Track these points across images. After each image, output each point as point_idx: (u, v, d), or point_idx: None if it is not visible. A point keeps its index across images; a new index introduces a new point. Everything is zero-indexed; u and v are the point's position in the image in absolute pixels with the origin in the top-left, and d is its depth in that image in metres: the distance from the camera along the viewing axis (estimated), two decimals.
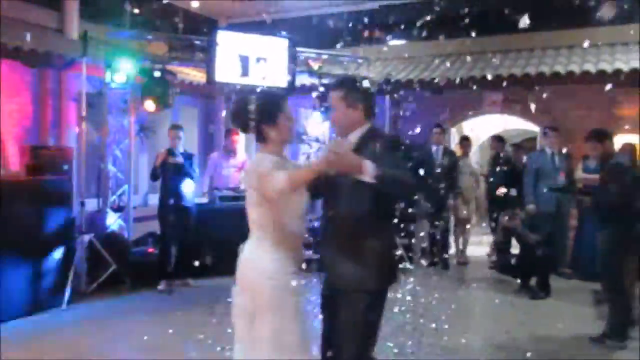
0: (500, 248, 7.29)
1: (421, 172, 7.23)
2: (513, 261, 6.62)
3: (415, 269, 7.27)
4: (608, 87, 6.10)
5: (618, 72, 7.12)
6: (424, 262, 7.68)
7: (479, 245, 8.66)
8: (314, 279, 2.98)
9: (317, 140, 8.43)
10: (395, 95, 7.97)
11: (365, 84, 2.71)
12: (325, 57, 7.68)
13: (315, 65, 7.63)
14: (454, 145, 8.65)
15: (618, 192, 4.54)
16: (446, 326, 4.98)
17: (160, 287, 6.05)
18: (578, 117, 7.20)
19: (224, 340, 3.65)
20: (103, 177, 6.78)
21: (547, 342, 4.72)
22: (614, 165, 4.71)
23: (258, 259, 2.46)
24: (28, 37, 5.64)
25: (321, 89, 7.45)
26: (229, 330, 2.74)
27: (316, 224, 7.35)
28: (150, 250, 6.65)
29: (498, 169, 7.82)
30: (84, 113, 5.85)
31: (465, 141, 8.18)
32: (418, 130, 7.79)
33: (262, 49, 6.72)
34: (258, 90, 2.74)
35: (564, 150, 6.86)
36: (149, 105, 6.18)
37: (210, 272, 6.13)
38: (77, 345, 4.44)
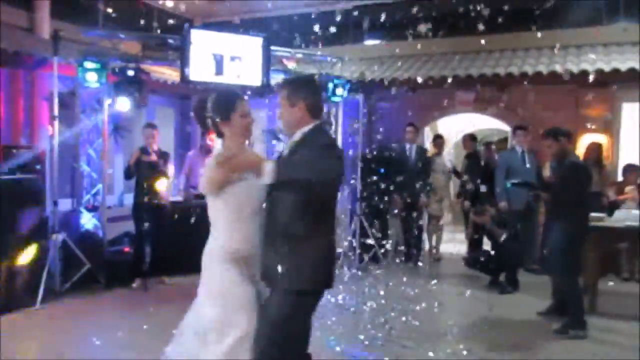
0: (470, 244, 7.48)
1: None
2: (483, 257, 6.78)
3: (388, 264, 7.42)
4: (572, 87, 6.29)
5: (584, 73, 7.33)
6: (397, 258, 7.83)
7: (453, 242, 8.84)
8: None
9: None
10: (369, 95, 8.10)
11: (310, 82, 2.74)
12: (299, 56, 7.75)
13: (289, 65, 7.71)
14: (428, 143, 8.81)
15: (572, 189, 4.75)
16: (415, 319, 5.13)
17: (135, 285, 6.08)
18: (545, 117, 7.40)
19: None
20: (77, 177, 6.76)
21: (512, 333, 4.89)
22: (569, 164, 4.91)
23: (209, 250, 2.59)
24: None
25: None
26: None
27: None
28: (126, 249, 6.65)
29: (471, 167, 8.01)
30: (55, 112, 5.83)
31: (438, 140, 8.33)
32: (392, 129, 7.96)
33: (236, 48, 6.75)
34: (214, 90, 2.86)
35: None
36: (123, 104, 6.18)
37: (185, 270, 6.15)
38: (50, 343, 4.47)
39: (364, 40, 9.26)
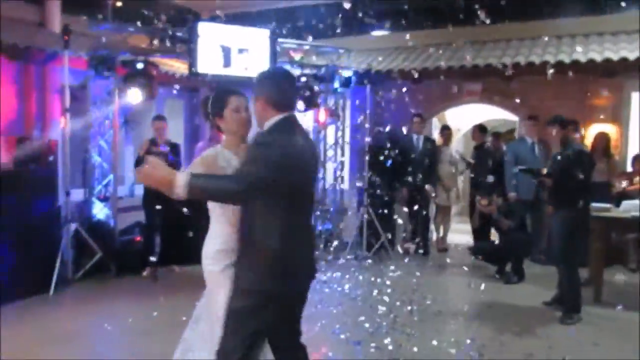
0: (477, 234, 7.52)
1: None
2: (489, 247, 6.83)
3: (395, 254, 7.49)
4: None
5: (592, 62, 7.29)
6: (404, 248, 7.90)
7: (460, 233, 8.88)
8: None
9: None
10: (377, 86, 8.12)
11: (273, 74, 2.60)
12: (306, 47, 7.80)
13: (296, 56, 7.75)
14: (436, 134, 8.83)
15: (574, 176, 4.79)
16: (420, 308, 5.21)
17: (145, 273, 6.22)
18: (553, 107, 7.37)
19: None
20: (88, 168, 6.89)
21: (517, 322, 4.93)
22: (572, 151, 4.93)
23: (206, 245, 2.65)
24: (9, 31, 5.71)
25: (303, 79, 7.59)
26: None
27: None
28: (137, 239, 6.77)
29: (480, 158, 8.04)
30: (67, 105, 5.95)
31: (445, 130, 8.35)
32: (399, 119, 7.98)
33: (244, 40, 6.82)
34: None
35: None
36: (132, 97, 6.28)
37: (194, 259, 6.24)
38: (63, 329, 4.61)
39: (371, 31, 9.27)
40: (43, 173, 5.68)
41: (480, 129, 8.27)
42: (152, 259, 6.24)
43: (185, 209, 5.45)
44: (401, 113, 8.05)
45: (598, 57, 7.31)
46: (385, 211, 7.64)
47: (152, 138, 6.20)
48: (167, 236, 6.37)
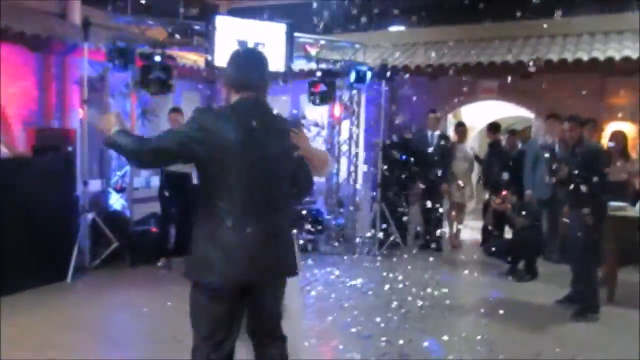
0: (490, 231, 7.49)
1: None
2: (502, 245, 6.80)
3: (407, 250, 7.50)
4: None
5: (610, 60, 7.21)
6: (416, 244, 7.91)
7: (473, 230, 8.86)
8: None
9: (315, 124, 8.62)
10: (392, 82, 8.11)
11: (235, 55, 2.47)
12: (322, 42, 7.81)
13: (312, 51, 7.77)
14: (451, 131, 8.80)
15: (589, 173, 4.76)
16: (432, 303, 5.22)
17: (160, 263, 6.31)
18: (570, 106, 7.32)
19: None
20: (105, 159, 6.99)
21: (528, 319, 4.92)
22: (586, 148, 4.91)
23: None
24: (31, 22, 5.82)
25: (319, 74, 7.61)
26: None
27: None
28: (152, 229, 6.87)
29: (493, 155, 8.00)
30: (86, 96, 6.04)
31: (460, 127, 8.32)
32: (414, 115, 7.98)
33: (260, 34, 6.84)
34: None
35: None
36: (150, 88, 6.35)
37: None
38: (80, 315, 4.71)
39: (387, 27, 9.25)
40: (62, 163, 5.77)
41: (492, 127, 8.24)
42: (167, 249, 6.33)
43: None
44: (416, 109, 8.04)
45: (617, 56, 7.23)
46: (399, 207, 7.65)
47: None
48: (182, 227, 6.45)
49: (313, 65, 7.89)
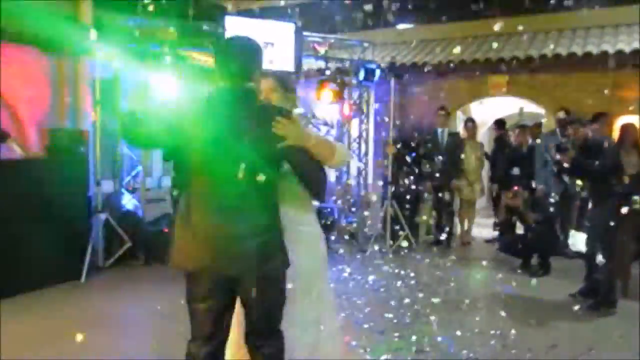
0: (502, 227, 7.47)
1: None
2: (515, 240, 6.78)
3: (419, 247, 7.49)
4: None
5: (620, 53, 7.17)
6: (428, 241, 7.91)
7: (484, 226, 8.83)
8: None
9: (325, 123, 8.64)
10: (401, 79, 8.12)
11: (219, 44, 2.58)
12: (331, 41, 7.84)
13: (321, 50, 7.79)
14: (461, 127, 8.79)
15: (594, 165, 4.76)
16: (444, 300, 5.21)
17: None
18: (580, 99, 7.29)
19: None
20: (117, 159, 7.06)
21: (541, 314, 4.91)
22: (595, 144, 4.91)
23: None
24: (43, 24, 5.89)
25: (328, 72, 7.63)
26: None
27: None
28: (165, 230, 6.91)
29: (500, 151, 7.99)
30: (98, 98, 6.10)
31: (470, 123, 8.31)
32: (423, 113, 7.98)
33: (269, 34, 6.88)
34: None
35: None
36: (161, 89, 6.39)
37: None
38: (95, 313, 4.77)
39: (396, 25, 9.25)
40: (75, 164, 5.83)
41: (498, 124, 8.26)
42: None
43: None
44: (425, 106, 8.04)
45: (627, 48, 7.19)
46: (409, 204, 7.65)
47: None
48: None
49: (322, 64, 7.91)
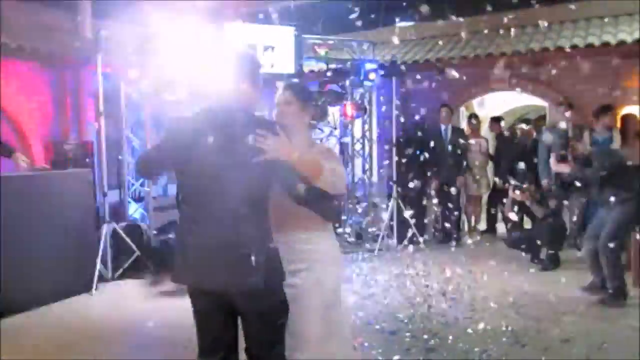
0: (510, 222, 7.44)
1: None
2: (523, 235, 6.76)
3: (426, 245, 7.47)
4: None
5: (622, 43, 7.13)
6: (435, 238, 7.89)
7: (491, 221, 8.78)
8: None
9: (328, 124, 8.64)
10: (403, 77, 8.10)
11: None
12: (331, 42, 7.84)
13: (321, 51, 7.79)
14: (464, 124, 8.77)
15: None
16: (454, 296, 5.20)
17: None
18: (584, 91, 7.25)
19: None
20: (122, 169, 7.07)
21: (552, 308, 4.89)
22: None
23: None
24: (44, 38, 5.93)
25: (329, 74, 7.62)
26: None
27: None
28: (173, 237, 6.92)
29: (501, 146, 7.98)
30: (101, 109, 6.12)
31: (473, 119, 8.30)
32: (426, 110, 7.95)
33: (269, 38, 6.90)
34: None
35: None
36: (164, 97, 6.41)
37: None
38: (105, 324, 4.78)
39: (396, 23, 9.24)
40: (81, 175, 5.84)
41: (495, 120, 8.27)
42: None
43: None
44: (428, 104, 8.02)
45: (628, 38, 7.15)
46: (415, 202, 7.64)
47: None
48: None
49: (323, 66, 7.91)
